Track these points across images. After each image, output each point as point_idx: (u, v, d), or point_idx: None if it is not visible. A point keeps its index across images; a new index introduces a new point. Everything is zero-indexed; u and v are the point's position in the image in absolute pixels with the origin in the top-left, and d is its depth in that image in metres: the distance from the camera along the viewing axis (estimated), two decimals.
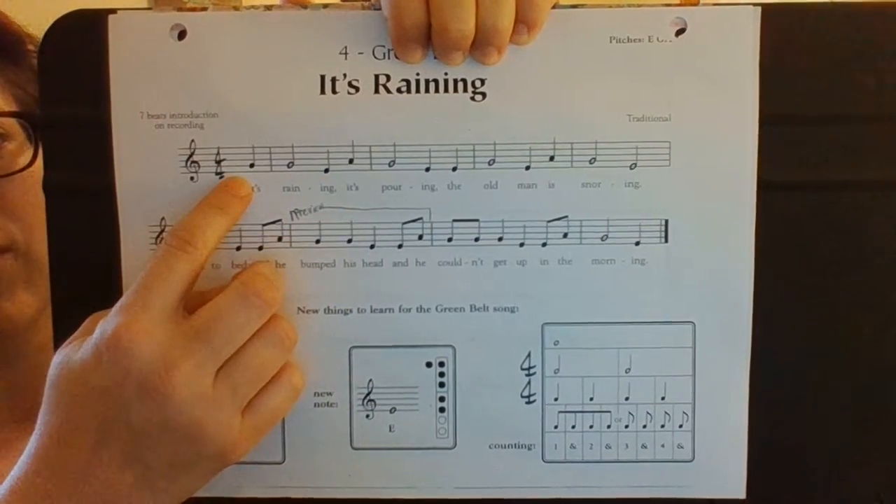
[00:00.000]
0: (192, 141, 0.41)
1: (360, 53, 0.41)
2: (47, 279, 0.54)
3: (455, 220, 0.42)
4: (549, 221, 0.42)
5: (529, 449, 0.43)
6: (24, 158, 0.55)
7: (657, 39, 0.41)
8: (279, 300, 0.40)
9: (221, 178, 0.41)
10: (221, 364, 0.38)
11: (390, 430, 0.43)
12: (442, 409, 0.43)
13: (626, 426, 0.43)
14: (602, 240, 0.42)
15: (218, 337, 0.38)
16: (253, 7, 0.42)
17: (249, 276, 0.40)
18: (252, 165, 0.41)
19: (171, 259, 0.38)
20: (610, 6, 0.41)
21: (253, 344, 0.39)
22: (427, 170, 0.41)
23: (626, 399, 0.43)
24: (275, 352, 0.40)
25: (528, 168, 0.41)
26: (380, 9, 0.40)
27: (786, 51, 0.41)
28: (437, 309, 0.42)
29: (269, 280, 0.40)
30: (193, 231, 0.39)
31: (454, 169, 0.41)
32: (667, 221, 0.42)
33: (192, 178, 0.42)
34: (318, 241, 0.42)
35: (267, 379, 0.40)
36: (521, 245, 0.42)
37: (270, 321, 0.39)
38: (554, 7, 0.40)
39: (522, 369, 0.42)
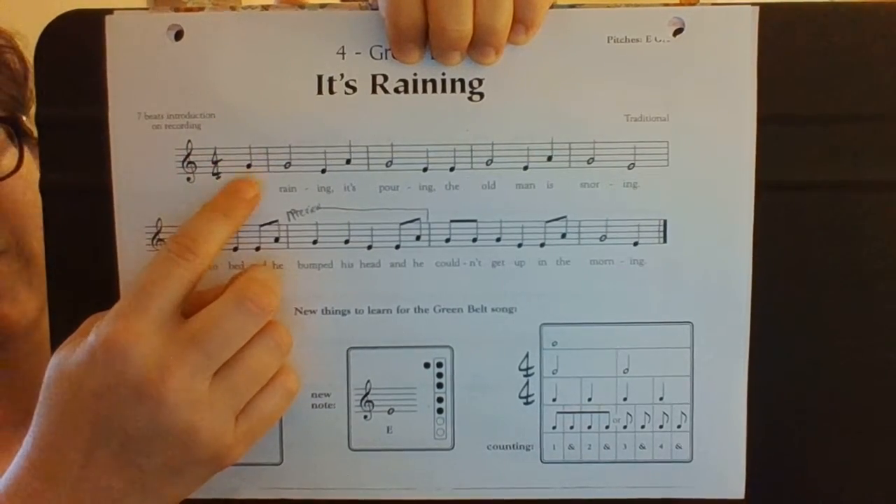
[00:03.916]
0: (189, 141, 0.41)
1: (357, 53, 0.41)
2: (45, 278, 0.54)
3: (453, 221, 0.42)
4: (547, 222, 0.42)
5: (528, 449, 0.43)
6: (7, 160, 0.54)
7: (655, 39, 0.41)
8: (276, 306, 0.40)
9: (218, 178, 0.41)
10: (217, 369, 0.38)
11: (388, 431, 0.43)
12: (440, 410, 0.43)
13: (625, 426, 0.43)
14: (600, 240, 0.42)
15: (214, 343, 0.38)
16: (250, 7, 0.42)
17: (246, 282, 0.40)
18: (249, 166, 0.41)
19: (171, 265, 0.38)
20: (608, 6, 0.41)
21: (249, 349, 0.39)
22: (424, 170, 0.41)
23: (625, 399, 0.43)
24: (271, 356, 0.39)
25: (526, 168, 0.41)
26: (377, 9, 0.40)
27: (784, 50, 0.41)
28: (434, 310, 0.42)
29: (265, 286, 0.40)
30: (196, 238, 0.39)
31: (452, 169, 0.41)
32: (665, 222, 0.42)
33: (188, 179, 0.41)
34: (315, 242, 0.42)
35: (263, 383, 0.40)
36: (520, 245, 0.42)
37: (266, 326, 0.39)
38: (552, 7, 0.40)
39: (520, 370, 0.42)
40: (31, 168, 0.55)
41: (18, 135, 0.54)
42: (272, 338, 0.39)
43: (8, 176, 0.53)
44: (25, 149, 0.55)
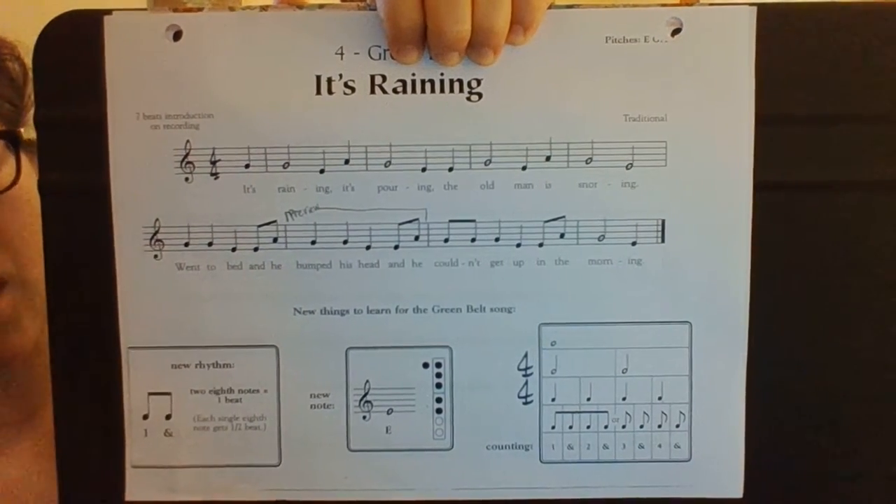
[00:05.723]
0: (188, 142, 0.41)
1: (355, 54, 0.41)
2: (45, 297, 0.53)
3: (451, 221, 0.42)
4: (545, 222, 0.42)
5: (527, 449, 0.43)
6: (4, 173, 0.53)
7: (653, 39, 0.41)
8: None
9: (217, 178, 0.41)
10: None
11: (387, 431, 0.43)
12: (439, 411, 0.43)
13: (624, 426, 0.43)
14: (599, 240, 0.42)
15: None
16: (249, 7, 0.42)
17: None
18: (247, 166, 0.41)
19: None
20: (606, 6, 0.41)
21: None
22: (423, 170, 0.41)
23: (623, 399, 0.43)
24: None
25: (524, 168, 0.41)
26: (375, 9, 0.40)
27: (782, 50, 0.41)
28: (433, 310, 0.42)
29: None
30: None
31: (450, 169, 0.41)
32: (663, 221, 0.42)
33: (186, 179, 0.41)
34: (313, 242, 0.42)
35: None
36: (518, 245, 0.42)
37: None
38: (550, 7, 0.40)
39: (519, 370, 0.42)
40: (30, 186, 0.54)
41: (16, 148, 0.54)
42: None
43: (7, 189, 0.52)
44: (26, 164, 0.54)
